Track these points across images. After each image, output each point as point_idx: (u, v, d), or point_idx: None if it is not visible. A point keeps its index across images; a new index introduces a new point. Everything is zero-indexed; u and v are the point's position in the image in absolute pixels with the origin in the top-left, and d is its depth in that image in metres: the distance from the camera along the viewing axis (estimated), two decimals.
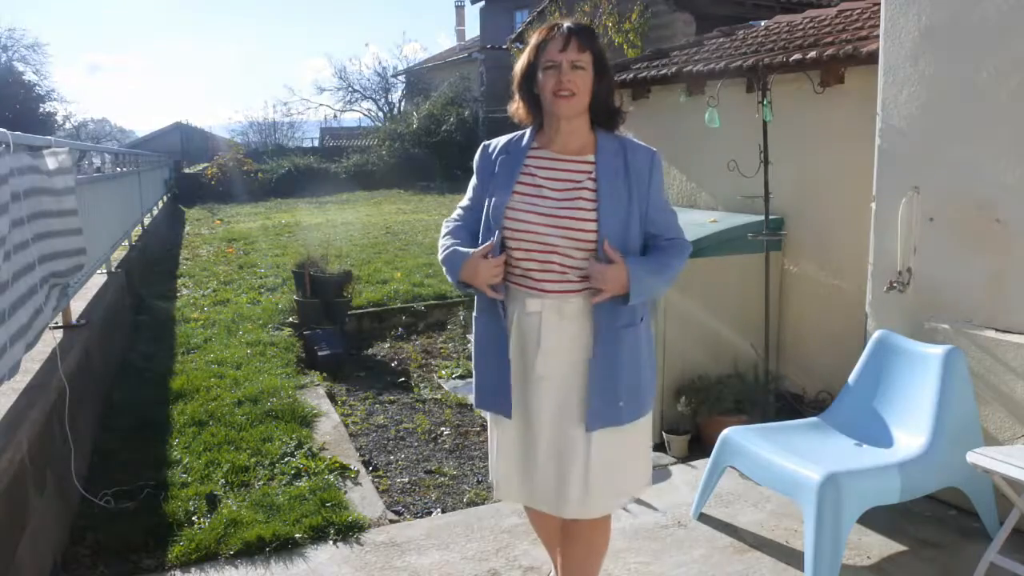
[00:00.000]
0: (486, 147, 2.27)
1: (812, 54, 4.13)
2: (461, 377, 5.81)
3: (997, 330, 3.09)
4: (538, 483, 2.18)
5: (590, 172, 2.12)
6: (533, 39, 2.12)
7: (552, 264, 2.10)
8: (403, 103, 29.45)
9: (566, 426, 2.13)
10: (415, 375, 5.87)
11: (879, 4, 3.56)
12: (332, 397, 5.02)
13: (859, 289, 3.84)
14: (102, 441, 4.02)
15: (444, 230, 2.28)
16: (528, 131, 2.22)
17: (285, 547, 3.01)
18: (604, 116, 2.16)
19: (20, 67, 28.93)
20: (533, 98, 2.14)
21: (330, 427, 4.34)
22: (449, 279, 2.18)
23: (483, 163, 2.25)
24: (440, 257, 2.20)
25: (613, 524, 3.13)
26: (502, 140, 2.25)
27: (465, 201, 2.30)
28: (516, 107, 2.20)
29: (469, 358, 6.19)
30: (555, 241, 2.08)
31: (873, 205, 3.57)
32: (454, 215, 2.31)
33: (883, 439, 2.98)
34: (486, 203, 2.17)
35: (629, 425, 2.16)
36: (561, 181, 2.13)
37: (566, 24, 2.07)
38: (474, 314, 2.27)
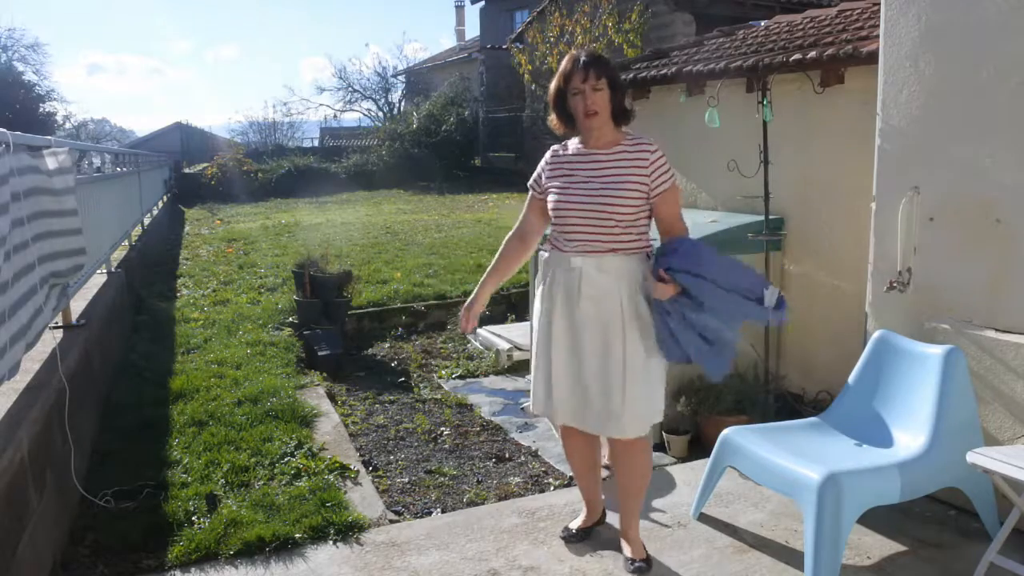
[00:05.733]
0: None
1: (812, 54, 4.13)
2: (461, 377, 5.81)
3: (997, 330, 3.09)
4: (587, 406, 2.75)
5: (606, 165, 2.72)
6: (560, 68, 2.74)
7: (583, 232, 2.70)
8: (403, 103, 29.43)
9: (606, 356, 2.70)
10: (415, 375, 5.87)
11: (879, 4, 3.56)
12: (332, 397, 5.02)
13: (859, 289, 3.84)
14: (102, 441, 4.02)
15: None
16: (577, 139, 2.84)
17: (285, 547, 3.01)
18: (620, 116, 2.76)
19: (20, 67, 28.87)
20: (566, 114, 2.76)
21: (330, 427, 4.34)
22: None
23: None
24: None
25: (614, 523, 3.16)
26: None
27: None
28: (554, 121, 2.82)
29: (469, 358, 6.22)
30: (585, 216, 2.69)
31: (873, 205, 3.57)
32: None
33: (883, 439, 2.98)
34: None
35: (653, 361, 2.75)
36: (589, 174, 2.74)
37: (584, 57, 2.68)
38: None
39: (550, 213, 2.81)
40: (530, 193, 2.93)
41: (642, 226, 2.74)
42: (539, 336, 2.87)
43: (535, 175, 2.90)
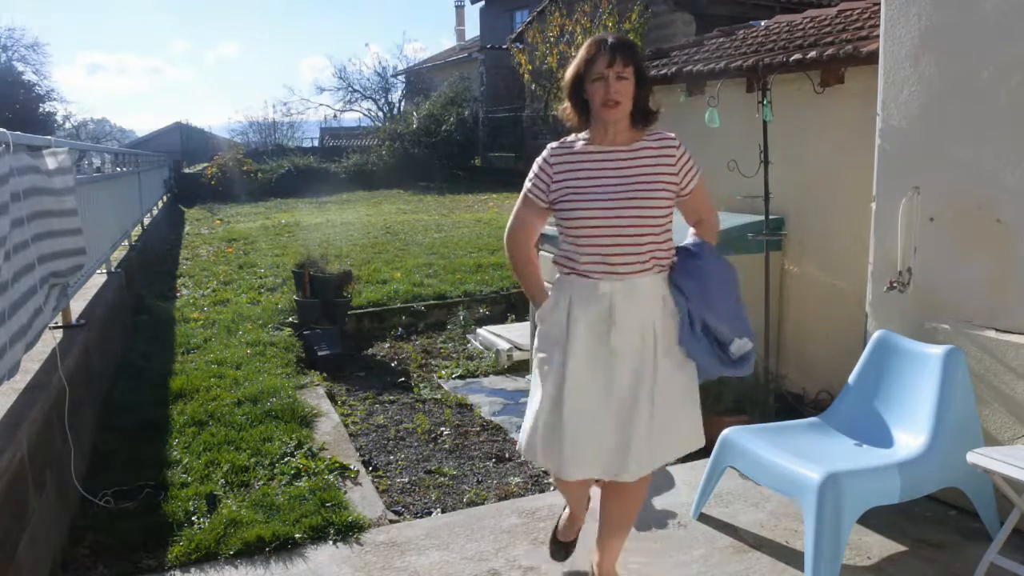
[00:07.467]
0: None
1: (812, 54, 4.13)
2: (461, 377, 5.81)
3: (997, 330, 3.09)
4: (606, 451, 2.40)
5: (631, 164, 2.37)
6: (582, 52, 2.37)
7: (611, 247, 2.33)
8: (403, 103, 29.47)
9: (636, 392, 2.36)
10: (415, 375, 5.87)
11: (879, 4, 3.56)
12: (332, 397, 5.02)
13: (859, 289, 3.84)
14: (102, 441, 4.01)
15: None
16: (582, 136, 2.46)
17: (285, 547, 3.01)
18: (641, 117, 2.41)
19: (20, 67, 28.90)
20: (582, 103, 2.39)
21: (330, 427, 4.34)
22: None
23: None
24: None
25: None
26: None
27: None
28: (566, 110, 2.45)
29: (469, 358, 6.22)
30: (612, 228, 2.32)
31: (873, 205, 3.57)
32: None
33: (883, 439, 2.98)
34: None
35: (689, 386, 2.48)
36: (613, 175, 2.37)
37: (610, 40, 2.33)
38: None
39: (561, 226, 2.41)
40: (532, 205, 2.47)
41: (670, 235, 2.42)
42: (548, 375, 2.43)
43: (536, 180, 2.44)
